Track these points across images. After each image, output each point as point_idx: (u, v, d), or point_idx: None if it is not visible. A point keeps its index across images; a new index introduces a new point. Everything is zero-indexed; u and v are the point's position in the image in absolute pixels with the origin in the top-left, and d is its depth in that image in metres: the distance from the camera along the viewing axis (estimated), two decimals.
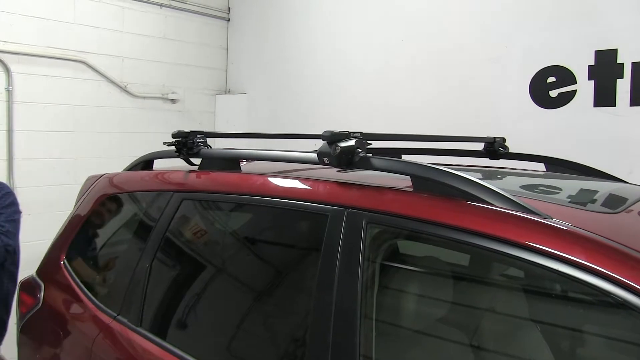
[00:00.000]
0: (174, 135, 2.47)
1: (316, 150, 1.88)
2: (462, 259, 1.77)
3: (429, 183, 1.64)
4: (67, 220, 3.00)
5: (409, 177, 1.71)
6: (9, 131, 4.99)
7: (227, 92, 6.76)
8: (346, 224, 1.71)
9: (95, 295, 2.60)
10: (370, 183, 1.84)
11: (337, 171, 2.13)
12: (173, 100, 6.26)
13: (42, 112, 5.19)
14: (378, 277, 1.72)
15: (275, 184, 2.03)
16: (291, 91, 6.02)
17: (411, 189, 1.71)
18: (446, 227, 1.51)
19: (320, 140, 1.82)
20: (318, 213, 1.80)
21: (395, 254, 1.82)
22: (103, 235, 2.83)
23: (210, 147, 2.53)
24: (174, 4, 6.18)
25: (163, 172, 2.57)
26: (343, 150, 1.78)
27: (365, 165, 1.79)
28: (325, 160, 1.82)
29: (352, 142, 1.81)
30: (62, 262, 2.85)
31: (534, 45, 4.10)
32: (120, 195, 2.78)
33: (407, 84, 4.89)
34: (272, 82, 6.24)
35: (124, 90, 5.80)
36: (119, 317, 2.38)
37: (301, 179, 1.99)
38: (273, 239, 2.10)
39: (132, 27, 5.86)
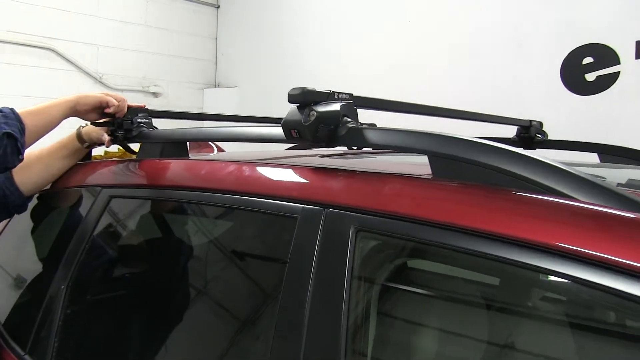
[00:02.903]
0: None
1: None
2: (514, 286, 1.11)
3: (462, 166, 1.00)
4: None
5: (427, 157, 1.07)
6: None
7: (216, 85, 6.16)
8: (324, 230, 1.08)
9: (5, 325, 1.96)
10: (363, 169, 1.21)
11: (320, 156, 1.50)
12: (155, 94, 5.65)
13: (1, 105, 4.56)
14: (373, 314, 1.08)
15: (222, 173, 1.39)
16: (287, 85, 5.33)
17: (430, 177, 1.07)
18: (494, 238, 0.87)
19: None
20: (281, 214, 1.17)
21: (401, 280, 1.16)
22: (21, 243, 2.20)
23: (156, 129, 1.90)
24: None
25: (90, 163, 1.94)
26: (321, 118, 1.15)
27: (357, 140, 1.16)
28: (294, 133, 1.19)
29: (335, 106, 1.18)
30: None
31: (565, 20, 3.46)
32: (44, 193, 2.15)
33: (419, 70, 4.30)
34: (265, 74, 5.64)
35: (99, 81, 5.21)
36: (26, 356, 1.74)
37: (259, 164, 1.36)
38: (215, 254, 1.46)
39: (109, 12, 5.26)
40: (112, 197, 1.72)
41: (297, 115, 1.18)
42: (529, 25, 3.68)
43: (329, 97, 1.21)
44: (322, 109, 1.17)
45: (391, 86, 4.42)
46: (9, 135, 1.53)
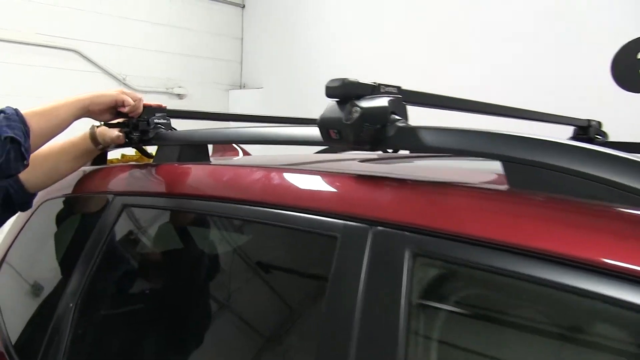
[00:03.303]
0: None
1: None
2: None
3: (550, 176, 0.78)
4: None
5: (501, 163, 0.86)
6: None
7: (241, 86, 5.99)
8: (372, 253, 0.88)
9: (15, 342, 1.80)
10: (418, 177, 1.00)
11: (360, 161, 1.29)
12: (180, 96, 5.50)
13: (25, 107, 4.44)
14: (434, 357, 0.87)
15: (246, 181, 1.19)
16: (314, 85, 5.19)
17: (505, 187, 0.86)
18: (598, 271, 0.66)
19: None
20: (317, 232, 0.97)
21: (471, 317, 0.94)
22: (33, 251, 2.04)
23: (175, 130, 1.72)
24: None
25: (102, 167, 1.76)
26: (365, 115, 0.95)
27: (410, 141, 0.95)
28: (333, 134, 0.98)
29: (382, 102, 0.98)
30: None
31: (617, 11, 3.21)
32: (60, 199, 1.98)
33: (455, 68, 4.07)
34: (291, 75, 5.45)
35: (123, 83, 5.06)
36: None
37: (289, 171, 1.16)
38: (236, 277, 1.26)
39: (132, 12, 5.12)
40: (125, 205, 1.54)
41: (337, 112, 0.98)
42: (575, 15, 3.44)
43: (374, 90, 1.01)
44: (366, 104, 0.97)
45: (426, 86, 4.20)
46: (12, 139, 1.36)
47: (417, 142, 0.94)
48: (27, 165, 1.42)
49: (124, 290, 1.61)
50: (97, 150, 1.75)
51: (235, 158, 1.99)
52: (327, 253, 0.93)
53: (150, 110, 1.70)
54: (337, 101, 1.00)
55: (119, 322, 1.57)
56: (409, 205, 0.89)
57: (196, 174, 1.37)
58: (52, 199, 1.99)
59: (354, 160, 1.34)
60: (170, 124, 1.73)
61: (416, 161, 1.49)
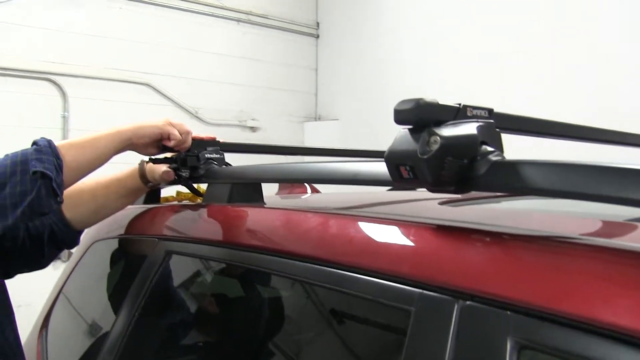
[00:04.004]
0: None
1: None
2: None
3: None
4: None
5: None
6: None
7: (316, 118, 5.83)
8: (459, 335, 0.63)
9: None
10: (527, 229, 0.75)
11: (440, 203, 1.04)
12: (253, 129, 5.38)
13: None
14: None
15: (294, 229, 0.96)
16: (392, 116, 4.96)
17: None
18: None
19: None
20: (383, 301, 0.73)
21: None
22: (85, 292, 1.90)
23: (229, 165, 1.53)
24: (253, 19, 5.36)
25: (152, 207, 1.58)
26: (448, 146, 0.71)
27: (509, 180, 0.70)
28: (406, 171, 0.75)
29: (469, 128, 0.73)
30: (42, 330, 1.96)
31: None
32: (109, 240, 1.83)
33: (539, 89, 3.76)
34: (369, 105, 5.24)
35: (195, 116, 5.00)
36: None
37: (347, 218, 0.92)
38: (280, 347, 1.02)
39: (205, 45, 5.08)
40: (167, 252, 1.35)
41: (410, 143, 0.74)
42: None
43: (459, 113, 0.77)
44: (449, 132, 0.73)
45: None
46: (42, 174, 1.20)
47: (519, 183, 0.69)
48: (61, 202, 1.27)
49: (167, 341, 1.42)
50: (145, 188, 1.59)
51: (298, 197, 1.77)
52: (396, 332, 0.68)
53: (201, 143, 1.52)
54: (409, 129, 0.77)
55: None
56: (513, 273, 0.63)
57: (242, 218, 1.16)
58: (102, 239, 1.85)
59: (433, 201, 1.09)
60: (223, 158, 1.54)
61: (517, 202, 1.22)
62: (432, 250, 0.74)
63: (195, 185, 1.69)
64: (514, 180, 0.70)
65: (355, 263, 0.80)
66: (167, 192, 1.94)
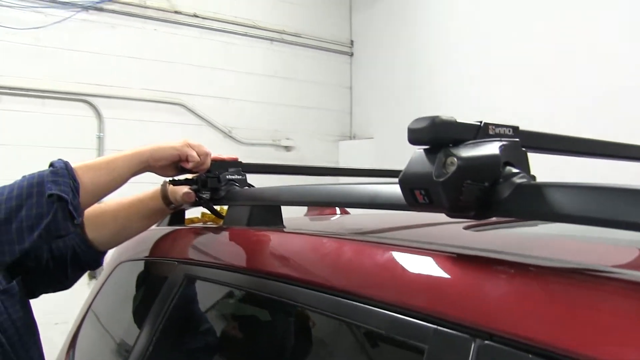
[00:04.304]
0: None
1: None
2: None
3: None
4: None
5: None
6: None
7: (351, 137, 5.79)
8: None
9: None
10: (552, 262, 0.68)
11: (465, 227, 0.98)
12: (287, 148, 5.37)
13: None
14: None
15: (308, 255, 0.91)
16: None
17: None
18: None
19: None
20: (394, 336, 0.67)
21: None
22: (110, 313, 1.88)
23: (252, 187, 1.49)
24: (286, 37, 5.37)
25: (174, 229, 1.55)
26: (466, 168, 0.65)
27: (536, 205, 0.63)
28: (421, 195, 0.69)
29: (491, 148, 0.67)
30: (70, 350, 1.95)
31: None
32: (133, 262, 1.81)
33: (583, 110, 3.63)
34: (403, 124, 5.05)
35: (228, 135, 5.01)
36: None
37: (359, 243, 0.86)
38: None
39: (238, 64, 5.10)
40: (186, 276, 1.31)
41: (425, 165, 0.69)
42: None
43: (480, 132, 0.71)
44: (467, 152, 0.67)
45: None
46: (58, 197, 1.18)
47: (547, 208, 0.62)
48: (78, 225, 1.25)
49: None
50: (168, 210, 1.56)
51: (321, 219, 1.72)
52: None
53: (222, 164, 1.49)
54: (425, 149, 0.71)
55: None
56: (537, 310, 0.57)
57: (254, 243, 1.11)
58: (127, 260, 1.84)
59: (457, 225, 1.02)
60: (245, 179, 1.51)
61: (550, 226, 1.14)
62: (448, 282, 0.68)
63: (218, 207, 1.66)
64: (541, 205, 0.63)
65: (365, 293, 0.74)
66: (193, 213, 1.92)
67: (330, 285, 0.80)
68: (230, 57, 5.06)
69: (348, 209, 2.06)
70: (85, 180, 1.25)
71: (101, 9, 4.41)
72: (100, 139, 4.46)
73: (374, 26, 5.64)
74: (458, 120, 0.70)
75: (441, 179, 0.66)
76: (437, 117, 0.69)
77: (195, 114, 4.85)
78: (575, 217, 0.62)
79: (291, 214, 1.78)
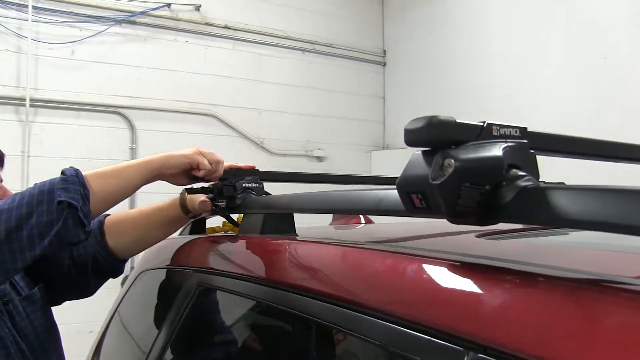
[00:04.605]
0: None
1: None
2: None
3: None
4: None
5: None
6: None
7: (384, 147, 5.74)
8: None
9: None
10: (559, 271, 0.64)
11: (477, 235, 0.93)
12: (319, 158, 5.35)
13: None
14: None
15: (318, 265, 0.88)
16: None
17: None
18: None
19: None
20: (388, 348, 0.63)
21: None
22: (130, 324, 1.88)
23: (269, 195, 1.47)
24: (318, 48, 5.37)
25: (191, 238, 1.54)
26: (464, 170, 0.61)
27: (543, 210, 0.59)
28: (418, 200, 0.65)
29: (493, 150, 0.64)
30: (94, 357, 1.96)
31: None
32: (156, 270, 1.81)
33: (614, 114, 3.52)
34: None
35: (260, 146, 5.02)
36: None
37: (374, 253, 0.83)
38: None
39: (270, 75, 5.11)
40: (199, 284, 1.30)
41: (422, 168, 0.66)
42: None
43: (482, 133, 0.67)
44: (466, 154, 0.63)
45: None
46: (68, 204, 1.18)
47: (552, 213, 0.58)
48: (89, 232, 1.24)
49: None
50: (186, 218, 1.55)
51: (340, 228, 1.69)
52: None
53: (239, 172, 1.47)
54: (423, 151, 0.68)
55: None
56: (536, 322, 0.52)
57: (264, 251, 1.09)
58: (149, 269, 1.84)
59: (470, 234, 0.97)
60: (262, 188, 1.49)
61: (576, 233, 1.08)
62: (442, 291, 0.64)
63: (235, 216, 1.64)
64: (546, 209, 0.59)
65: (363, 302, 0.71)
66: (214, 222, 1.91)
67: (323, 291, 0.77)
68: (262, 68, 5.08)
69: (372, 218, 2.02)
70: (95, 187, 1.25)
71: (134, 22, 4.49)
72: (132, 150, 4.52)
73: (407, 35, 5.61)
74: (458, 120, 0.66)
75: (437, 182, 0.62)
76: (434, 117, 0.65)
77: (227, 125, 4.88)
78: (584, 223, 0.58)
79: (317, 223, 1.75)
